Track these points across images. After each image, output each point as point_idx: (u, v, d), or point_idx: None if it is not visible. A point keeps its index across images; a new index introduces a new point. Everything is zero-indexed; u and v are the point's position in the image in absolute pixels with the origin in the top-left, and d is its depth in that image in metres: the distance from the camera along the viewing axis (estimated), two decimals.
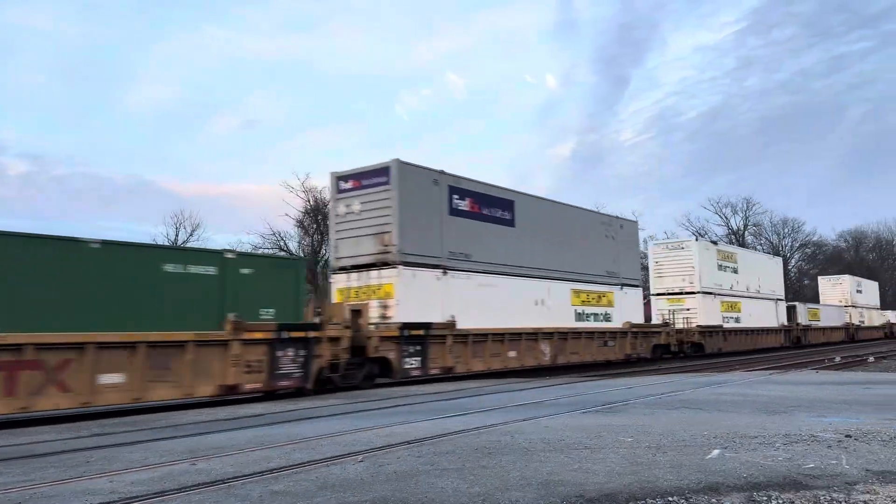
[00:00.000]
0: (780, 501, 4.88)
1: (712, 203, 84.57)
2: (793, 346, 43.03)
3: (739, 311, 37.22)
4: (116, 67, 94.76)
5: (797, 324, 44.93)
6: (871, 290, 66.49)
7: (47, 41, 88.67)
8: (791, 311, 45.47)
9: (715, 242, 37.36)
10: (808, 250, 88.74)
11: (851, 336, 55.40)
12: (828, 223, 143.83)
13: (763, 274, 41.35)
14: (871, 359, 27.03)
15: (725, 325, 34.95)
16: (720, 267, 35.96)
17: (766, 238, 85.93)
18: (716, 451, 6.76)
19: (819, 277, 66.34)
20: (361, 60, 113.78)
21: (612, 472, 5.91)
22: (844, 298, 58.26)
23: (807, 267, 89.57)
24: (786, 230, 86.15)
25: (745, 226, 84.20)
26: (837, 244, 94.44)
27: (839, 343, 50.96)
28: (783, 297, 44.18)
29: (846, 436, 7.56)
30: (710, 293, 34.50)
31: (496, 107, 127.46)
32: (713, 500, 4.94)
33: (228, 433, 9.08)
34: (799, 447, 6.96)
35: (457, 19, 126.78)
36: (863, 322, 60.29)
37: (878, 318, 66.02)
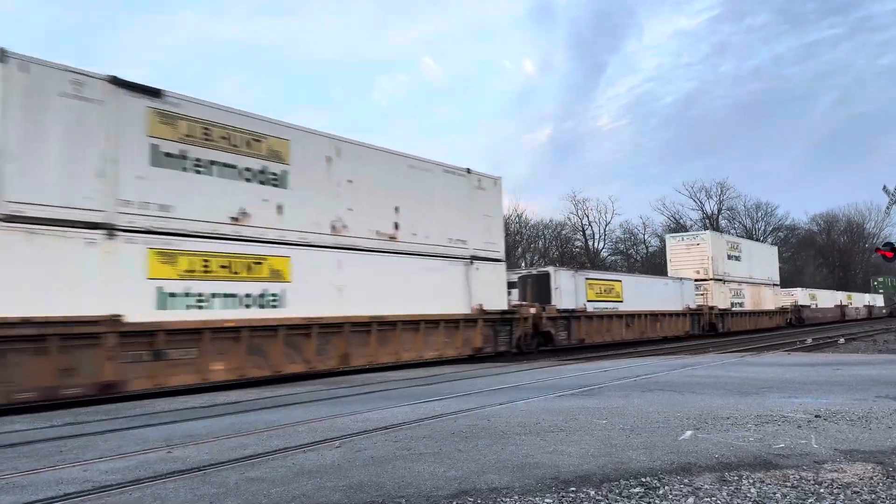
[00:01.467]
0: (751, 481, 4.97)
1: (687, 188, 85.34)
2: (525, 351, 22.50)
3: (284, 278, 14.95)
4: (87, 51, 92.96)
5: (544, 307, 24.24)
6: (761, 258, 45.76)
7: (18, 26, 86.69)
8: (536, 286, 25.55)
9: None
10: (780, 234, 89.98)
11: (707, 327, 36.01)
12: (800, 207, 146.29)
13: (427, 209, 18.90)
14: (842, 340, 27.54)
15: (195, 318, 13.08)
16: (208, 168, 13.81)
17: (739, 222, 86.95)
18: (688, 433, 6.86)
19: (668, 236, 45.35)
20: (336, 46, 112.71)
21: (586, 453, 5.97)
22: (703, 268, 37.99)
23: (780, 251, 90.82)
24: (759, 214, 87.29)
25: (720, 210, 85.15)
26: (810, 228, 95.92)
27: (675, 340, 32.15)
28: (502, 258, 21.39)
29: (815, 416, 7.71)
30: (139, 232, 12.47)
31: (473, 93, 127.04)
32: (685, 480, 5.02)
33: (204, 421, 9.03)
34: (770, 428, 7.08)
35: (433, 4, 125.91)
36: (739, 304, 40.46)
37: (773, 298, 46.55)
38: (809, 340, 28.01)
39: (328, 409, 9.61)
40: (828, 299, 61.59)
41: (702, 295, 37.21)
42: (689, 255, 39.21)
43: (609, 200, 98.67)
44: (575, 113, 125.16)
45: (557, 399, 10.08)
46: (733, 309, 39.80)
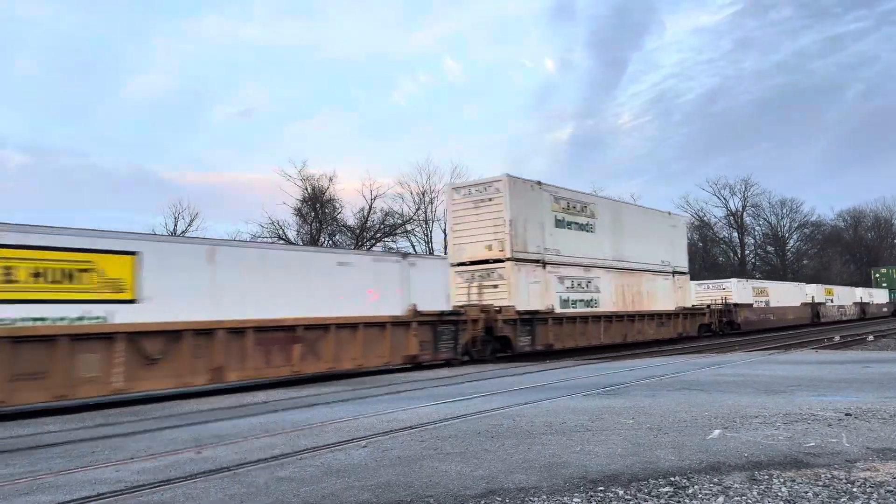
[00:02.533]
0: (782, 480, 4.92)
1: (711, 184, 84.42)
2: None
3: None
4: (115, 57, 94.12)
5: None
6: (645, 231, 28.68)
7: (45, 32, 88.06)
8: None
9: None
10: (806, 230, 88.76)
11: (478, 345, 19.55)
12: (826, 203, 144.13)
13: None
14: (871, 337, 27.10)
15: None
16: None
17: (764, 218, 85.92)
18: (717, 432, 6.81)
19: (450, 188, 24.92)
20: (358, 46, 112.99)
21: (613, 453, 5.95)
22: (499, 240, 21.80)
23: (805, 247, 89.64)
24: (784, 210, 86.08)
25: (744, 207, 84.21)
26: (836, 223, 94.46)
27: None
28: None
29: (846, 414, 7.61)
30: None
31: (494, 92, 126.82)
32: (715, 479, 4.98)
33: (233, 421, 9.13)
34: (799, 426, 7.00)
35: (453, 3, 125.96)
36: (587, 302, 24.83)
37: (676, 293, 30.31)
38: (837, 338, 27.61)
39: (354, 409, 9.67)
40: (790, 295, 45.55)
41: (486, 290, 20.85)
42: (479, 219, 22.13)
43: (631, 198, 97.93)
44: (596, 110, 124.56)
45: (583, 399, 10.05)
46: (559, 311, 22.87)
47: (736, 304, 37.49)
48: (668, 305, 29.64)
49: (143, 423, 9.38)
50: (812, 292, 49.47)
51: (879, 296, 64.94)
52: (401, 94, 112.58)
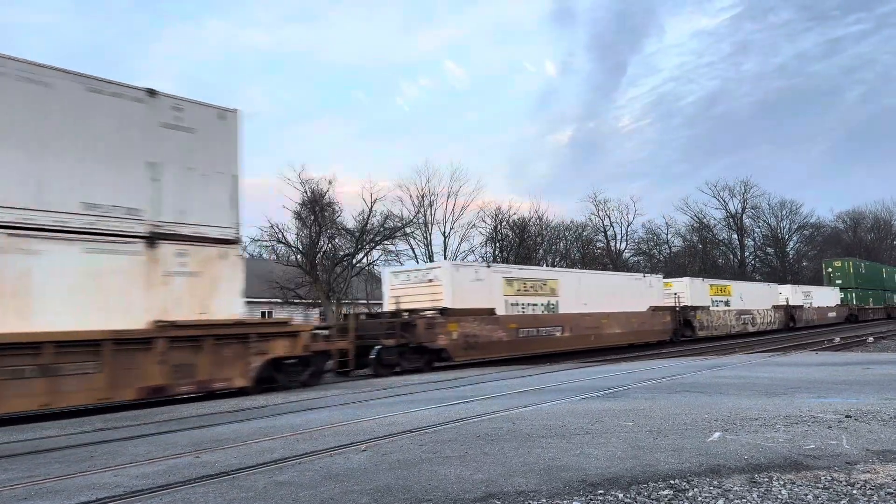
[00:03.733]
0: (782, 482, 4.91)
1: (710, 187, 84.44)
2: None
3: None
4: (118, 62, 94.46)
5: None
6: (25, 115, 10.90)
7: (48, 37, 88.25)
8: None
9: None
10: (806, 232, 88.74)
11: None
12: (826, 204, 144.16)
13: None
14: (871, 339, 27.06)
15: None
16: None
17: (764, 220, 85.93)
18: (717, 434, 6.80)
19: None
20: (361, 51, 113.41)
21: (613, 456, 5.94)
22: None
23: (805, 249, 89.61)
24: (784, 212, 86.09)
25: (744, 208, 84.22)
26: (836, 225, 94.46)
27: None
28: None
29: (846, 416, 7.60)
30: None
31: (496, 95, 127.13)
32: (715, 482, 4.97)
33: (232, 425, 9.11)
34: (799, 428, 6.99)
35: (456, 8, 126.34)
36: None
37: (136, 289, 12.14)
38: (837, 339, 27.56)
39: (353, 413, 9.65)
40: (619, 295, 26.78)
41: None
42: None
43: (631, 200, 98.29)
44: (596, 113, 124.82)
45: (582, 401, 10.03)
46: None
47: (445, 310, 20.29)
48: (122, 320, 11.94)
49: (142, 427, 9.36)
50: (681, 290, 31.28)
51: (824, 296, 48.03)
52: (403, 98, 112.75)
